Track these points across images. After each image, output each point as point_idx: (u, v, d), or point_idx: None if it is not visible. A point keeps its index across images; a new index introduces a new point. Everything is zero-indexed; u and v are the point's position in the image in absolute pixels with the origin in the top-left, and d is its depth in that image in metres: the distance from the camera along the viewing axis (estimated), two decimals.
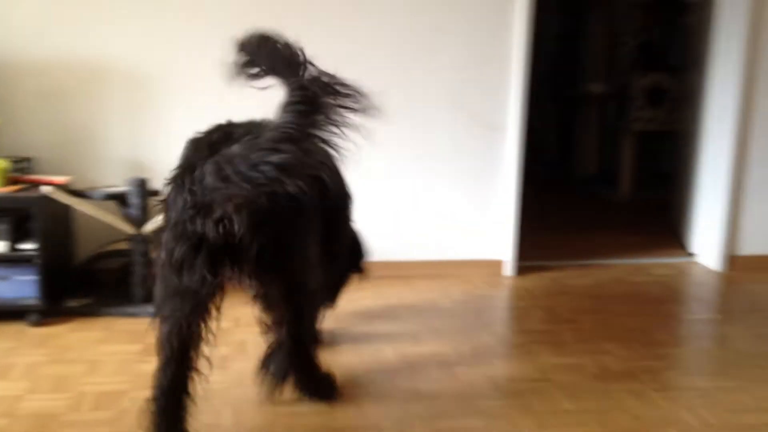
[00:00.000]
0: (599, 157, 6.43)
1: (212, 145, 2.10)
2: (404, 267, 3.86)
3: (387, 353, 2.96)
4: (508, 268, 3.94)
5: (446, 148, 3.81)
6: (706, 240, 4.19)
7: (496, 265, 3.95)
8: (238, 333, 3.16)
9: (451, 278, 3.87)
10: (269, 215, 2.12)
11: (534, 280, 3.91)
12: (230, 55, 2.00)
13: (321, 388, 2.56)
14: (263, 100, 2.00)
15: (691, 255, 4.33)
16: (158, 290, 2.19)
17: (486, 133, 3.82)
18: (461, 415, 2.49)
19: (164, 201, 2.16)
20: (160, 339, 2.21)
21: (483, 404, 2.57)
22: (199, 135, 2.23)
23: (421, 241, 3.87)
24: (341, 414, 2.49)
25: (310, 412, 2.50)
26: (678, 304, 3.65)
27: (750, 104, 3.93)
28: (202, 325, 2.21)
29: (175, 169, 2.15)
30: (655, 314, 3.45)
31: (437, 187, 3.84)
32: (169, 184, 2.15)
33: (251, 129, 2.14)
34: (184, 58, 3.54)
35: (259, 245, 2.13)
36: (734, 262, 4.07)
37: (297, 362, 2.49)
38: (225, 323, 3.26)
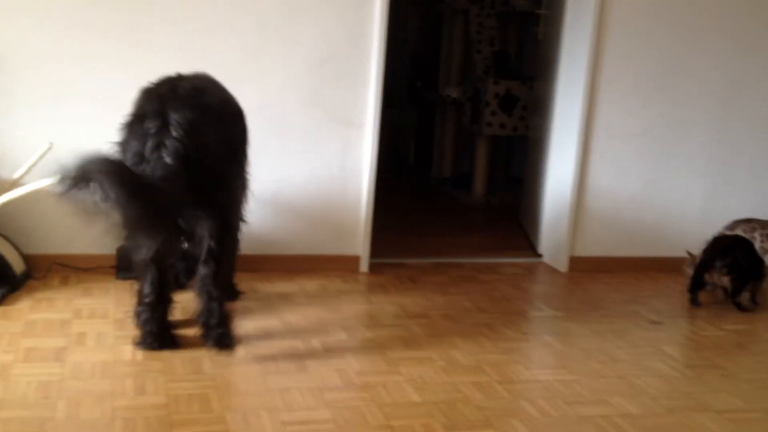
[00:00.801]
0: (455, 161, 6.58)
1: (161, 97, 2.61)
2: (260, 261, 3.80)
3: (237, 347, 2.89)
4: (363, 264, 3.96)
5: (303, 144, 3.78)
6: (552, 241, 4.37)
7: (353, 261, 3.96)
8: (76, 325, 3.01)
9: (306, 273, 3.84)
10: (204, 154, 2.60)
11: (388, 276, 3.94)
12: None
13: (224, 336, 2.76)
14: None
15: (538, 255, 4.49)
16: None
17: (343, 130, 3.82)
18: (309, 408, 2.47)
19: (120, 143, 2.65)
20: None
21: (332, 397, 2.56)
22: (150, 86, 2.71)
23: (277, 236, 3.83)
24: (185, 407, 2.41)
25: (150, 405, 2.40)
26: (524, 301, 3.77)
27: (592, 112, 4.13)
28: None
29: (129, 116, 2.66)
30: (502, 311, 3.55)
31: (294, 182, 3.80)
32: (123, 129, 2.67)
33: (196, 83, 2.72)
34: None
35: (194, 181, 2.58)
36: (576, 262, 4.26)
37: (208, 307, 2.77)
38: (64, 315, 3.10)
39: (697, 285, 3.69)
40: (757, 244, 3.84)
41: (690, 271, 3.78)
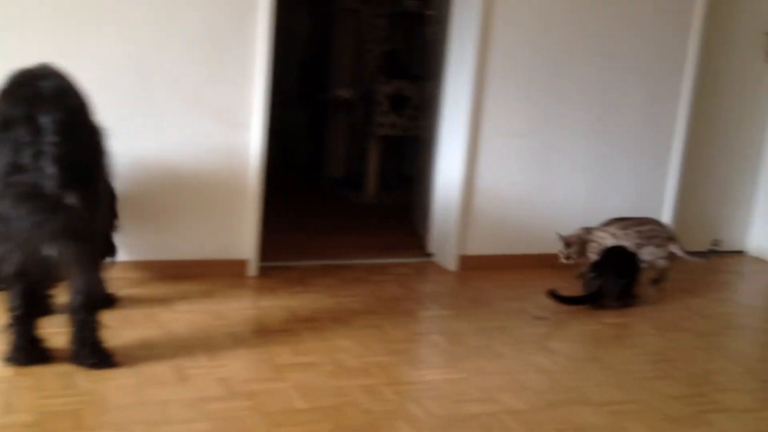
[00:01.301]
0: (347, 161, 6.56)
1: (26, 100, 2.41)
2: (142, 267, 3.67)
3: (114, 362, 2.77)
4: (251, 268, 3.88)
5: (186, 146, 3.67)
6: (441, 240, 4.39)
7: (241, 265, 3.87)
8: None
9: (192, 279, 3.73)
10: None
11: (277, 280, 3.87)
12: None
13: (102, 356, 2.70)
14: None
15: (429, 255, 4.51)
16: None
17: (228, 131, 3.73)
18: (189, 420, 2.39)
19: None
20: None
21: (213, 407, 2.48)
22: (6, 87, 2.46)
23: (161, 241, 3.70)
24: (55, 425, 2.29)
25: (19, 423, 2.27)
26: (414, 301, 3.78)
27: (479, 112, 4.18)
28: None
29: None
30: (391, 312, 3.55)
31: (178, 185, 3.69)
32: None
33: (57, 81, 2.50)
34: None
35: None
36: (465, 261, 4.30)
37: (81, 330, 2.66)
38: None
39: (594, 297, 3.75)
40: (632, 241, 3.98)
41: (563, 251, 3.97)
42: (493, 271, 4.27)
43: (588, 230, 4.06)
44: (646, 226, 4.08)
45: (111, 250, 3.28)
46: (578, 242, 4.00)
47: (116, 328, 2.99)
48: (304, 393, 2.64)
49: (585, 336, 3.40)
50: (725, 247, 4.93)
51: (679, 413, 2.70)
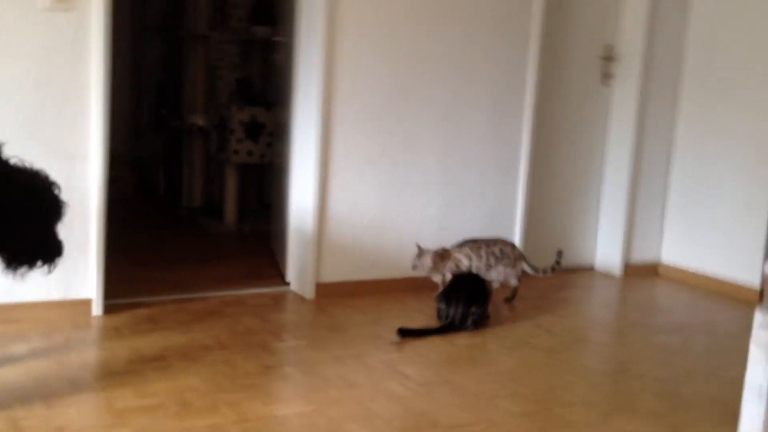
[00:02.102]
0: (204, 189, 6.43)
1: None
2: None
3: None
4: (95, 308, 3.71)
5: None
6: (298, 269, 4.35)
7: (84, 304, 3.70)
8: None
9: (30, 323, 3.53)
10: None
11: (124, 318, 3.72)
12: None
13: None
14: None
15: (287, 284, 4.46)
16: None
17: (64, 163, 3.55)
18: None
19: None
20: None
21: None
22: None
23: None
24: None
25: None
26: (268, 332, 3.71)
27: (328, 138, 4.19)
28: None
29: None
30: (244, 344, 3.47)
31: None
32: None
33: None
34: None
35: None
36: (322, 288, 4.28)
37: None
38: None
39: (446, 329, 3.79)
40: (483, 262, 4.09)
41: (418, 264, 4.10)
42: (349, 298, 4.26)
43: (445, 250, 4.13)
44: (496, 247, 4.19)
45: None
46: (433, 257, 4.06)
47: None
48: None
49: (438, 359, 3.44)
50: (574, 263, 5.14)
51: (524, 431, 2.76)
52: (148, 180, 7.09)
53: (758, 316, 2.61)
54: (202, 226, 5.97)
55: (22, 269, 2.74)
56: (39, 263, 2.76)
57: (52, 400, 2.77)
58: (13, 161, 2.73)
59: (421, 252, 4.10)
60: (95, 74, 3.59)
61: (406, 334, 3.63)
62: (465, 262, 4.09)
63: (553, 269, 4.33)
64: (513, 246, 4.30)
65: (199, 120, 6.08)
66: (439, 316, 3.81)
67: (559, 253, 4.31)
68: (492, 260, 4.13)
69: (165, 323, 3.70)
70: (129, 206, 6.50)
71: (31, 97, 3.50)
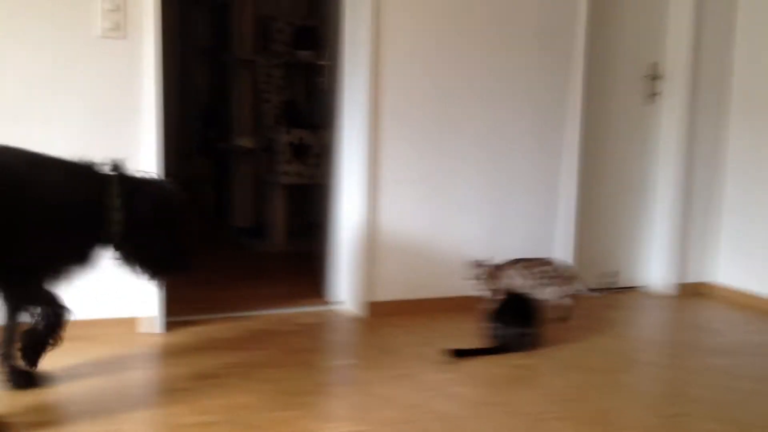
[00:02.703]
0: (253, 210, 6.51)
1: None
2: None
3: None
4: (153, 325, 3.78)
5: None
6: (348, 288, 4.38)
7: (145, 322, 3.77)
8: None
9: (90, 340, 3.59)
10: None
11: (180, 336, 3.78)
12: None
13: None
14: None
15: (335, 303, 4.49)
16: None
17: None
18: None
19: None
20: None
21: None
22: None
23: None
24: None
25: None
26: (321, 352, 3.74)
27: (376, 157, 4.23)
28: None
29: None
30: (298, 364, 3.49)
31: None
32: None
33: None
34: None
35: None
36: (373, 308, 4.30)
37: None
38: None
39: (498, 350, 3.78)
40: (537, 281, 4.07)
41: (475, 273, 4.03)
42: (399, 317, 4.27)
43: (498, 266, 4.11)
44: (549, 266, 4.16)
45: None
46: (487, 272, 4.06)
47: (4, 395, 2.85)
48: None
49: (490, 379, 3.42)
50: (625, 283, 5.09)
51: None
52: (197, 201, 7.19)
53: None
54: (251, 247, 6.04)
55: (159, 276, 2.87)
56: (173, 270, 2.90)
57: (111, 415, 2.82)
58: (138, 175, 2.84)
59: (478, 264, 4.08)
60: (147, 99, 3.68)
61: (459, 354, 3.62)
62: (519, 279, 4.08)
63: (605, 290, 4.30)
64: (566, 265, 4.27)
65: (247, 142, 6.17)
66: (491, 336, 3.79)
67: (613, 274, 4.26)
68: (545, 279, 4.10)
69: (220, 341, 3.75)
70: None
71: (88, 122, 3.60)
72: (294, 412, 2.96)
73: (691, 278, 5.12)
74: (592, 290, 4.27)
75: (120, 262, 2.91)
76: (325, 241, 4.84)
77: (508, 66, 4.50)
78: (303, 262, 5.53)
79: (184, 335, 3.80)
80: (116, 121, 3.65)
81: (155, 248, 2.87)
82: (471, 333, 4.01)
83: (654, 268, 5.17)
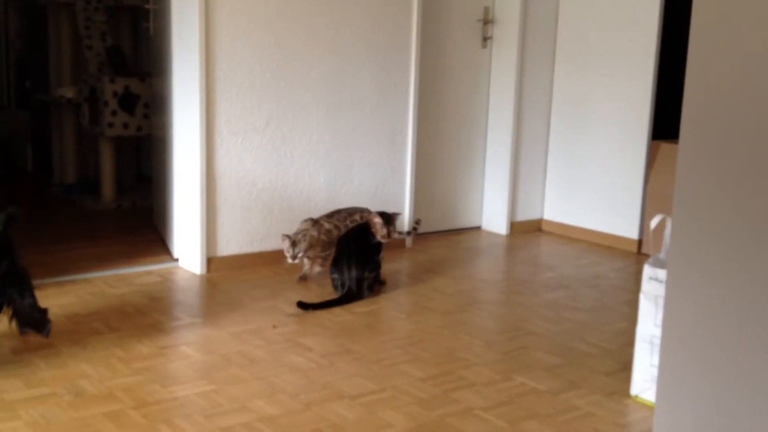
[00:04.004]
0: (79, 165, 6.13)
1: None
2: None
3: None
4: None
5: None
6: (188, 244, 4.23)
7: None
8: None
9: None
10: None
11: None
12: None
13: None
14: None
15: (175, 260, 4.33)
16: None
17: None
18: None
19: None
20: None
21: None
22: None
23: None
24: None
25: None
26: (161, 312, 3.60)
27: (211, 108, 4.06)
28: None
29: None
30: (136, 326, 3.35)
31: None
32: None
33: None
34: None
35: None
36: (213, 263, 4.18)
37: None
38: None
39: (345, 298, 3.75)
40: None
41: (290, 251, 3.83)
42: (242, 271, 4.18)
43: (315, 221, 4.02)
44: (356, 215, 4.11)
45: None
46: (290, 242, 3.87)
47: None
48: (40, 430, 2.41)
49: (338, 329, 3.43)
50: (462, 224, 5.24)
51: (428, 395, 2.79)
52: (15, 158, 6.71)
53: (647, 270, 2.74)
54: (78, 204, 5.70)
55: None
56: None
57: None
58: None
59: (291, 239, 3.86)
60: None
61: (305, 307, 3.59)
62: (335, 232, 4.03)
63: (408, 233, 4.47)
64: (370, 212, 4.14)
65: (68, 92, 5.78)
66: (335, 286, 3.79)
67: (418, 221, 4.32)
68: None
69: (53, 307, 3.47)
70: None
71: None
72: (137, 377, 2.84)
73: (523, 217, 5.34)
74: (416, 233, 4.41)
75: None
76: (162, 195, 4.64)
77: (349, 13, 4.42)
78: (138, 219, 5.30)
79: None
80: None
81: None
82: (315, 283, 3.99)
83: (488, 209, 5.34)
